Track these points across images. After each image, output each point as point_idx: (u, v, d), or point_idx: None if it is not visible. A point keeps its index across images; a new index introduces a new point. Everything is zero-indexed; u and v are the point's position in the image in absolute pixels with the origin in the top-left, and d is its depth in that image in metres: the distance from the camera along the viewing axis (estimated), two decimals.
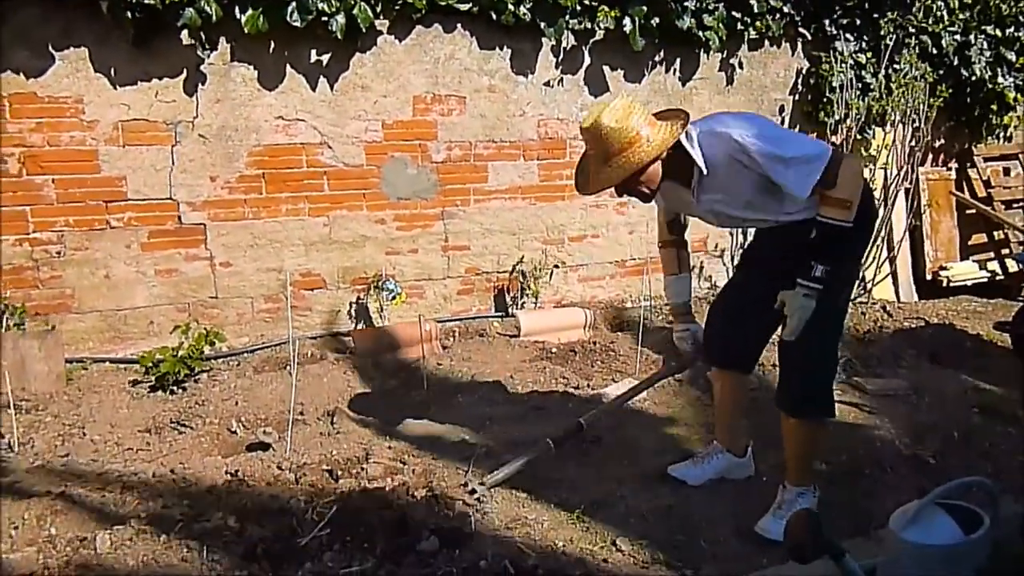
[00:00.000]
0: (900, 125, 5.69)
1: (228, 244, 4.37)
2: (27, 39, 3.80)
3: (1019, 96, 6.40)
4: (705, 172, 2.46)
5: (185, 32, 4.02)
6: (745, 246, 2.99)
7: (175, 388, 3.79)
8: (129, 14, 3.81)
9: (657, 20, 5.00)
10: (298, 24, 4.08)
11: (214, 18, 3.94)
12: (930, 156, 6.38)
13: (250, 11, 4.03)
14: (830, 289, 2.44)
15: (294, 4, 4.05)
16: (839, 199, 2.35)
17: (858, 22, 5.76)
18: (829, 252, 2.40)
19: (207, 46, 4.08)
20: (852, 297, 5.42)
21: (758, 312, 2.68)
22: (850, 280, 2.72)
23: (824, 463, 3.13)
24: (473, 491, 2.74)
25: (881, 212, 5.70)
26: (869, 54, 5.77)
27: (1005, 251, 6.69)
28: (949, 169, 6.54)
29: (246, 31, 4.05)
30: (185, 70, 4.12)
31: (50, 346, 3.81)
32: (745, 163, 2.40)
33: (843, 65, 5.62)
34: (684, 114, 2.48)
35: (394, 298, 4.61)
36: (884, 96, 5.69)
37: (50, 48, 3.86)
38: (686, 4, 5.04)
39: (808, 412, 2.65)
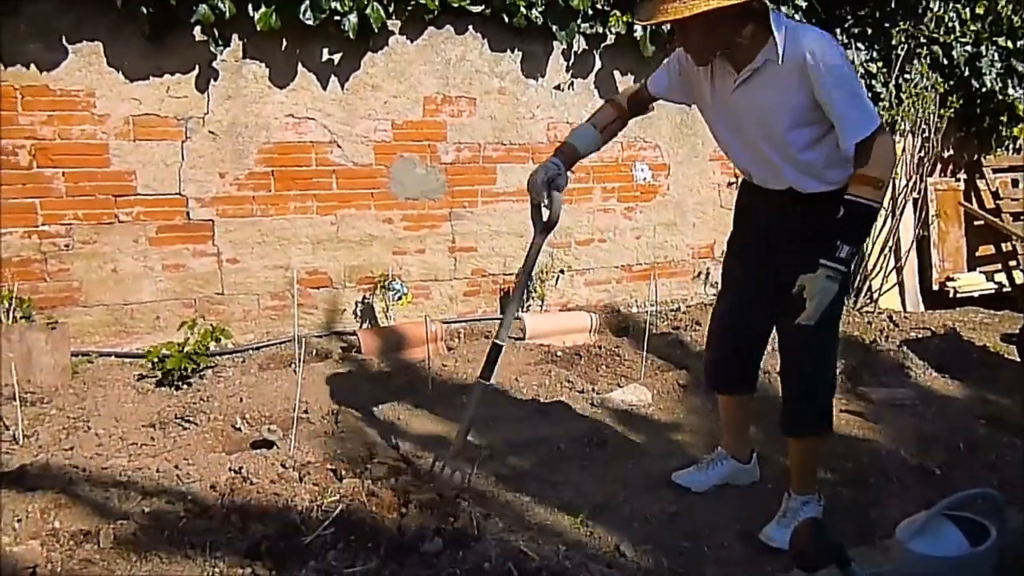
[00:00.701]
0: (910, 135, 5.69)
1: (236, 241, 4.38)
2: (41, 32, 3.81)
3: None
4: (779, 58, 2.22)
5: (198, 28, 4.03)
6: (729, 235, 2.83)
7: (180, 384, 3.79)
8: (143, 9, 3.82)
9: (668, 26, 4.98)
10: (311, 22, 4.09)
11: (227, 15, 3.94)
12: (939, 166, 6.37)
13: (263, 8, 4.04)
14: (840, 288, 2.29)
15: (307, 2, 4.05)
16: (873, 177, 2.19)
17: (869, 31, 5.76)
18: (857, 235, 2.25)
19: (220, 42, 4.09)
20: (859, 307, 5.47)
21: (755, 328, 2.68)
22: (841, 295, 2.50)
23: (829, 471, 3.13)
24: (452, 473, 2.69)
25: (889, 222, 5.71)
26: (880, 63, 5.77)
27: (1013, 263, 6.68)
28: (958, 180, 6.54)
29: (258, 28, 4.06)
30: (197, 66, 4.13)
31: (56, 339, 3.81)
32: (817, 77, 2.19)
33: None
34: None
35: (400, 298, 4.61)
36: (894, 106, 5.69)
37: (63, 41, 3.87)
38: None
39: (809, 432, 2.66)
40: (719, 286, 2.95)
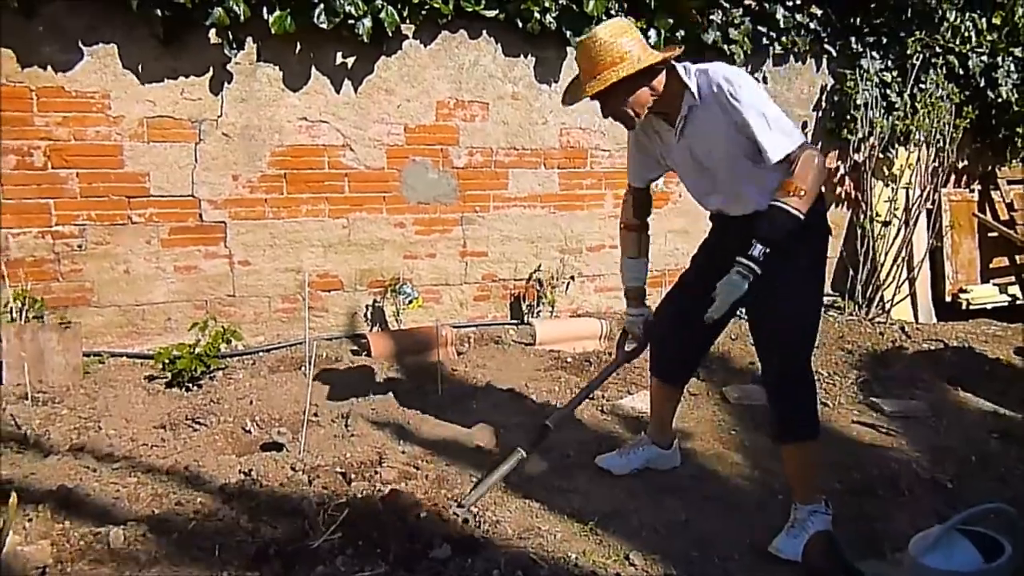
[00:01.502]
0: (924, 145, 5.67)
1: (247, 243, 4.39)
2: (57, 33, 3.84)
3: None
4: (697, 100, 2.45)
5: (212, 31, 4.05)
6: (695, 252, 3.03)
7: (191, 385, 3.80)
8: (158, 11, 3.84)
9: (682, 32, 4.99)
10: (325, 26, 4.10)
11: (242, 17, 3.96)
12: (953, 177, 6.33)
13: (277, 11, 4.06)
14: (794, 305, 2.51)
15: (321, 6, 4.07)
16: (795, 186, 2.33)
17: (884, 40, 5.73)
18: (771, 235, 2.35)
19: (234, 45, 4.10)
20: (871, 317, 5.44)
21: (700, 324, 2.73)
22: (813, 305, 2.67)
23: (839, 483, 3.11)
24: (465, 520, 2.64)
25: (903, 233, 5.68)
26: (895, 72, 5.75)
27: None
28: (972, 191, 6.49)
29: (273, 31, 4.07)
30: (211, 68, 4.15)
31: (68, 339, 3.83)
32: (730, 106, 2.38)
33: (868, 83, 5.59)
34: (680, 47, 2.55)
35: (411, 302, 4.61)
36: (909, 115, 5.66)
37: (79, 43, 3.89)
38: (712, 17, 5.03)
39: (793, 436, 2.68)
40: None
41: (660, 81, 2.47)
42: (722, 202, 2.68)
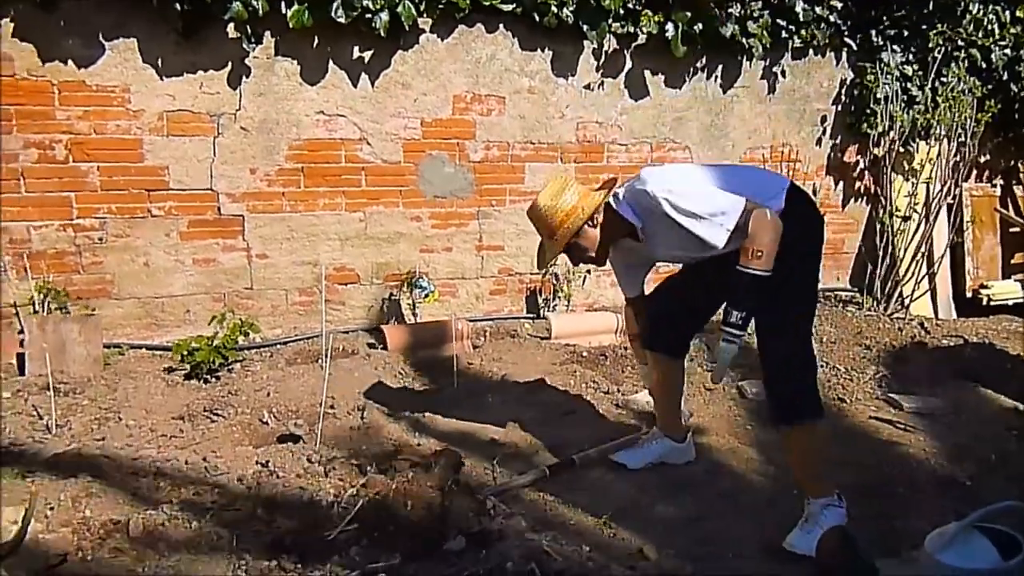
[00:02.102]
0: (945, 139, 5.60)
1: (265, 236, 4.42)
2: (78, 28, 3.87)
3: None
4: (640, 225, 2.65)
5: (231, 25, 4.07)
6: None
7: (209, 377, 3.84)
8: (177, 5, 3.87)
9: (700, 26, 4.96)
10: (342, 20, 4.12)
11: (260, 12, 3.98)
12: (975, 172, 6.25)
13: (295, 6, 4.08)
14: (779, 305, 2.57)
15: (339, 0, 4.08)
16: (753, 249, 2.43)
17: (905, 33, 5.67)
18: (745, 299, 2.47)
19: (252, 39, 4.13)
20: (890, 313, 5.40)
21: (698, 301, 2.92)
22: (803, 296, 2.72)
23: (856, 480, 3.09)
24: (486, 498, 2.71)
25: (923, 228, 5.63)
26: (916, 66, 5.68)
27: None
28: (994, 186, 6.41)
29: (291, 26, 4.09)
30: (230, 63, 4.17)
31: (89, 330, 3.88)
32: (671, 217, 2.53)
33: (888, 76, 5.53)
34: (614, 180, 2.72)
35: (427, 296, 4.62)
36: (930, 109, 5.59)
37: (100, 37, 3.93)
38: (730, 11, 5.00)
39: (792, 417, 2.68)
40: None
41: (599, 217, 2.66)
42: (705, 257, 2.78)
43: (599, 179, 5.09)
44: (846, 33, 5.56)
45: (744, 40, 5.09)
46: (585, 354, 4.45)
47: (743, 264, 2.45)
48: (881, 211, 5.72)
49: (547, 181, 2.74)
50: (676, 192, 2.54)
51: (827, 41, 5.48)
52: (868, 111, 5.59)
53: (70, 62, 3.90)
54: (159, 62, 4.05)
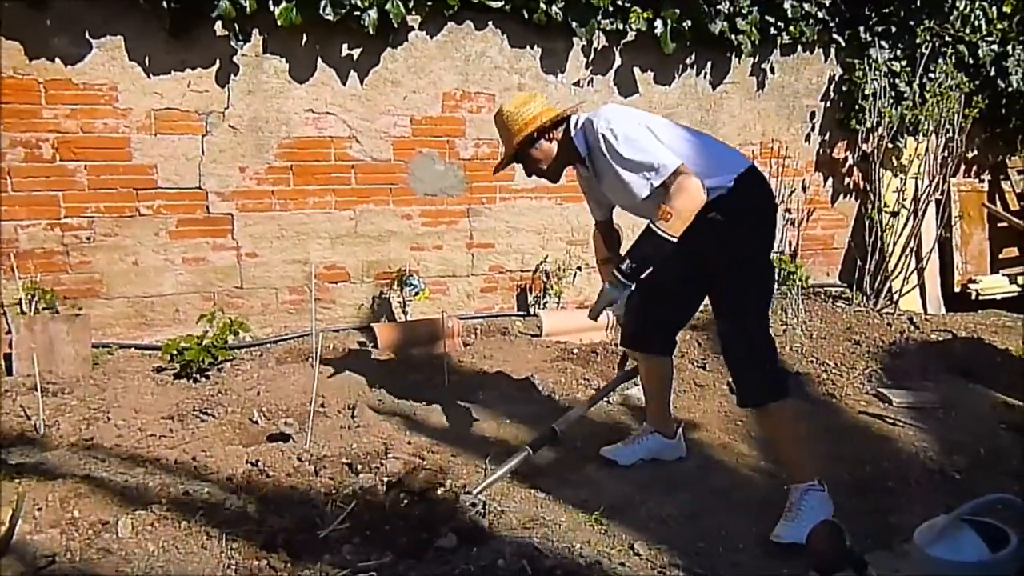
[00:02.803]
0: (933, 135, 5.62)
1: (255, 235, 4.40)
2: (66, 26, 3.84)
3: None
4: (584, 151, 2.72)
5: (219, 23, 4.05)
6: None
7: (199, 376, 3.82)
8: (165, 3, 3.84)
9: (689, 23, 4.96)
10: (331, 18, 4.10)
11: (248, 9, 3.96)
12: (963, 167, 6.28)
13: (284, 4, 4.06)
14: (736, 288, 2.68)
15: None
16: (666, 210, 2.48)
17: (893, 29, 5.69)
18: (640, 253, 2.56)
19: (240, 37, 4.10)
20: (879, 308, 5.42)
21: (675, 295, 2.97)
22: (759, 278, 2.75)
23: (847, 474, 3.10)
24: (472, 504, 2.68)
25: (911, 223, 5.65)
26: (904, 62, 5.71)
27: None
28: (982, 181, 6.45)
29: (279, 23, 4.07)
30: (218, 61, 4.15)
31: (78, 330, 3.85)
32: (607, 156, 2.60)
33: (877, 73, 5.56)
34: (579, 105, 2.81)
35: (417, 294, 4.62)
36: (918, 105, 5.62)
37: (88, 36, 3.90)
38: (719, 7, 5.00)
39: (760, 398, 2.72)
40: None
41: (557, 134, 2.75)
42: (645, 216, 2.76)
43: None
44: (834, 29, 5.57)
45: (733, 36, 5.10)
46: (576, 351, 4.45)
47: (654, 223, 2.50)
48: (870, 207, 5.74)
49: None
50: (616, 133, 2.59)
51: (816, 37, 5.50)
52: (857, 107, 5.62)
53: (57, 60, 3.87)
54: (147, 60, 4.02)
